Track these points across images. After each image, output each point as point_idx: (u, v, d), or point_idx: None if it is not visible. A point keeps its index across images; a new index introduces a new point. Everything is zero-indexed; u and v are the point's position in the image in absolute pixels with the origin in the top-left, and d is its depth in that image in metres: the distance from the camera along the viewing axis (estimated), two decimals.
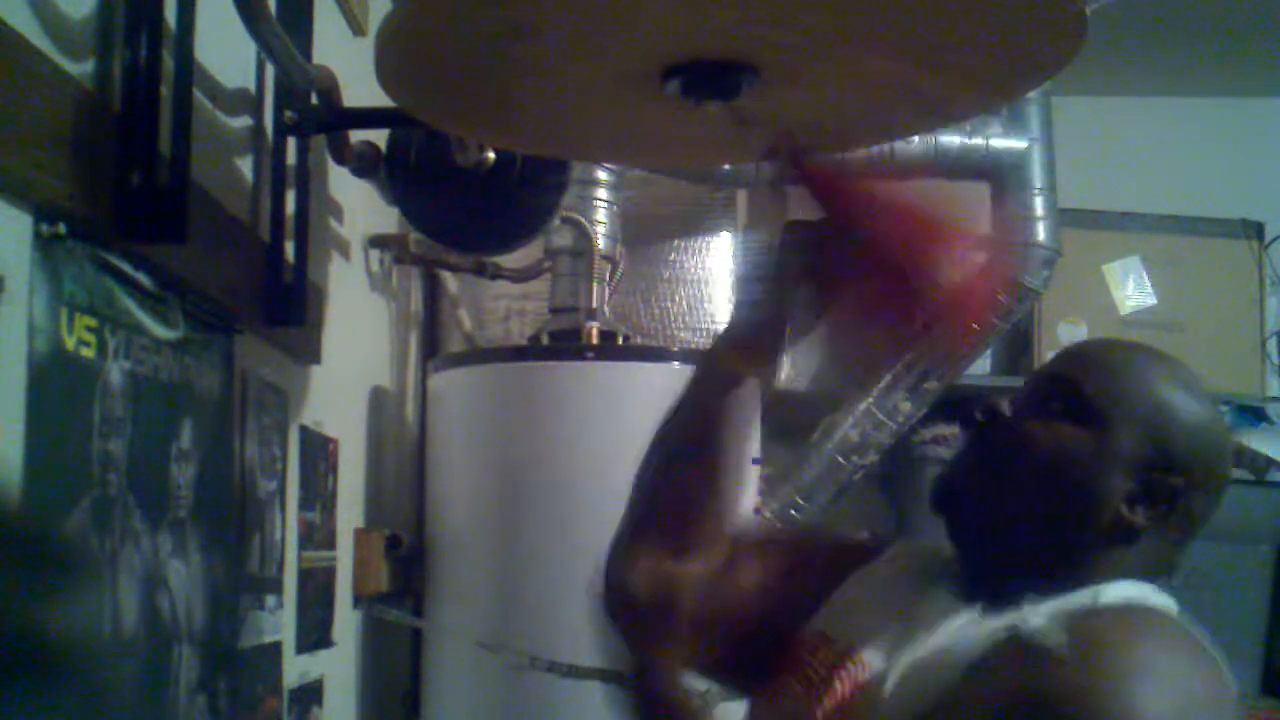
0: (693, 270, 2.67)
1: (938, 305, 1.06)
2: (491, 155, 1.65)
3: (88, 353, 1.04)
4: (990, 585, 1.02)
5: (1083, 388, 1.05)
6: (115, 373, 1.09)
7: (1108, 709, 0.88)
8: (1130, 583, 1.02)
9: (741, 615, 1.16)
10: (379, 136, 1.77)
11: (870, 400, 2.61)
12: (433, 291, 2.66)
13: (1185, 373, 1.08)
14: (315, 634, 1.76)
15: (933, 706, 0.95)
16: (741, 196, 2.81)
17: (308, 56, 1.50)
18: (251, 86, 1.51)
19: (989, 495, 1.07)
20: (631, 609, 1.14)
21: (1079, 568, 1.02)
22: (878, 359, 2.31)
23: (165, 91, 1.14)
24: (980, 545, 1.08)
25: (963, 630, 0.99)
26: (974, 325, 1.08)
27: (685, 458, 1.16)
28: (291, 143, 1.56)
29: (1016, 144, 2.56)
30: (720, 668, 1.19)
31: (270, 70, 1.50)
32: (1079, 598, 0.99)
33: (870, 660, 1.02)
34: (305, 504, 1.71)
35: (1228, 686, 0.95)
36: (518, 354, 2.19)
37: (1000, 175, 2.59)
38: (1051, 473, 1.04)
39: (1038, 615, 0.97)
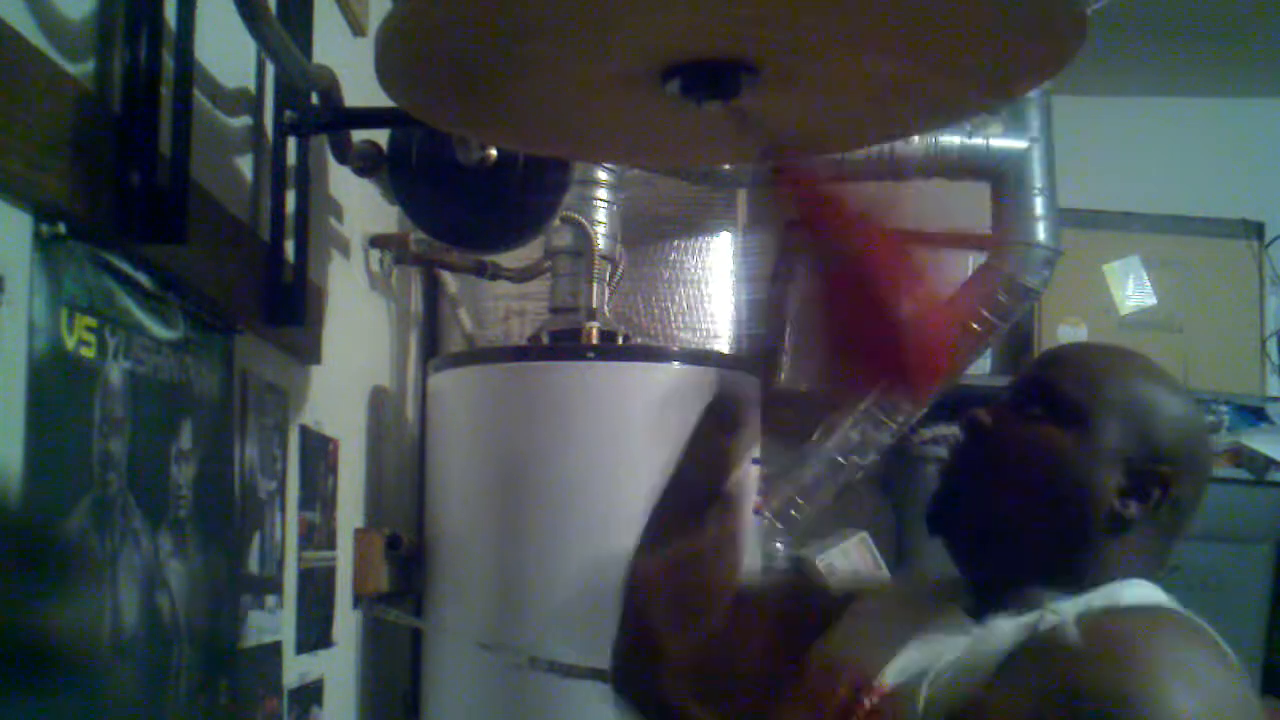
0: (693, 270, 2.67)
1: (905, 349, 1.04)
2: (494, 153, 1.65)
3: (88, 353, 1.04)
4: (1000, 595, 1.03)
5: (1061, 389, 1.06)
6: (115, 373, 1.09)
7: (1141, 706, 0.88)
8: (1141, 582, 1.03)
9: (746, 652, 1.16)
10: (380, 135, 1.77)
11: (870, 400, 2.61)
12: (433, 291, 2.66)
13: (1158, 368, 1.10)
14: (315, 634, 1.76)
15: (963, 709, 0.95)
16: (741, 196, 2.81)
17: (308, 56, 1.50)
18: (251, 86, 1.51)
19: (984, 506, 1.08)
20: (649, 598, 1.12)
21: (1083, 565, 1.03)
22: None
23: (165, 91, 1.13)
24: (983, 558, 1.08)
25: (985, 635, 1.00)
26: (939, 375, 1.07)
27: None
28: (291, 143, 1.56)
29: (1016, 144, 2.57)
30: (728, 706, 1.19)
31: (270, 70, 1.50)
32: (1096, 598, 1.00)
33: (892, 679, 1.02)
34: (305, 504, 1.71)
35: (1247, 687, 0.96)
36: (518, 354, 2.19)
37: (1000, 175, 2.59)
38: (1042, 474, 1.05)
39: (1056, 614, 0.98)
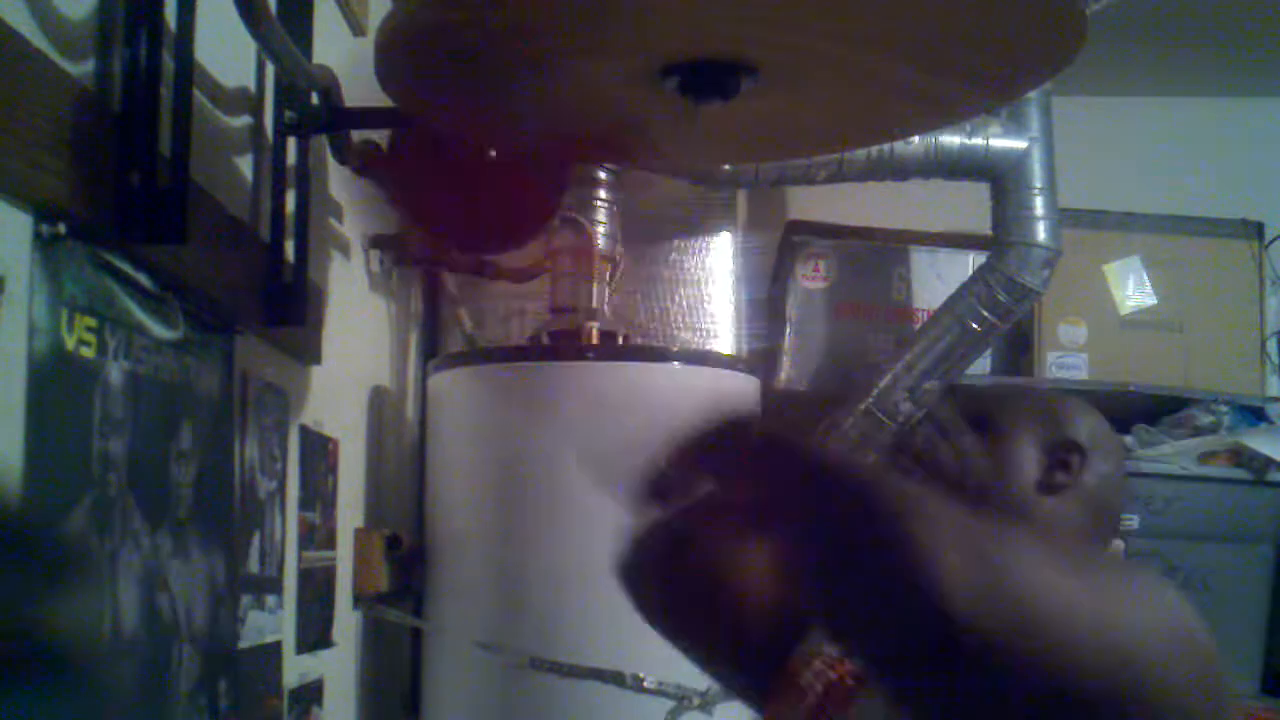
0: (693, 270, 2.67)
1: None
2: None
3: (88, 353, 1.04)
4: None
5: (967, 409, 1.23)
6: (115, 373, 1.09)
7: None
8: None
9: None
10: (380, 135, 1.77)
11: (870, 400, 2.61)
12: (433, 291, 2.66)
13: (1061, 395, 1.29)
14: (315, 634, 1.76)
15: None
16: (741, 196, 2.81)
17: (308, 56, 1.50)
18: (251, 86, 1.51)
19: None
20: None
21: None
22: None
23: (165, 91, 1.13)
24: None
25: None
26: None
27: None
28: (292, 143, 1.56)
29: (1016, 144, 2.56)
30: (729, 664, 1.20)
31: (270, 70, 1.50)
32: None
33: None
34: (305, 504, 1.71)
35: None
36: (518, 354, 2.19)
37: (1000, 175, 2.59)
38: (972, 479, 1.18)
39: None
